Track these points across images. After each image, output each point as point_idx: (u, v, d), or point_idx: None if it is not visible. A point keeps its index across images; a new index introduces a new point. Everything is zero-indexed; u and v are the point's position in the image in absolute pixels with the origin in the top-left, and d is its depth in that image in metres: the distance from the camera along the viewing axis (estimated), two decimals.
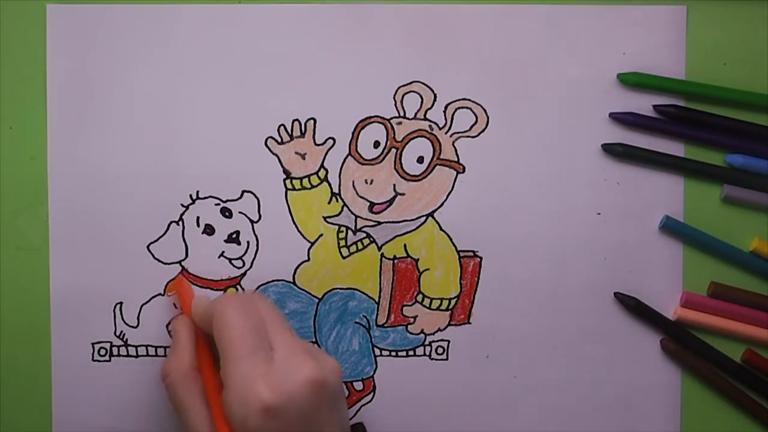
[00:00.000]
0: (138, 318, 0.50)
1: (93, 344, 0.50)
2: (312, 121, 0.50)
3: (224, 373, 0.42)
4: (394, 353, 0.50)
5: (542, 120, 0.50)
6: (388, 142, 0.50)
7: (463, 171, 0.50)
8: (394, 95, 0.50)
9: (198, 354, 0.46)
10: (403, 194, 0.50)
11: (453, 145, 0.50)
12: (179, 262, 0.50)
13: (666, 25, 0.50)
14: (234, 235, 0.50)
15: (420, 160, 0.50)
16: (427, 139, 0.50)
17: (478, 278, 0.50)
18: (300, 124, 0.50)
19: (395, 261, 0.50)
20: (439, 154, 0.50)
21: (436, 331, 0.50)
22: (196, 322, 0.46)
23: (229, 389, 0.41)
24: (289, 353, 0.42)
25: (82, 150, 0.49)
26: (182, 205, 0.50)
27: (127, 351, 0.50)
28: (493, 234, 0.50)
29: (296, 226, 0.50)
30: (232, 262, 0.50)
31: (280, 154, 0.50)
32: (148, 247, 0.49)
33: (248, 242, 0.50)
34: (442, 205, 0.50)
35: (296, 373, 0.41)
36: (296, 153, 0.50)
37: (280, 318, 0.44)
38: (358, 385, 0.50)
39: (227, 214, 0.50)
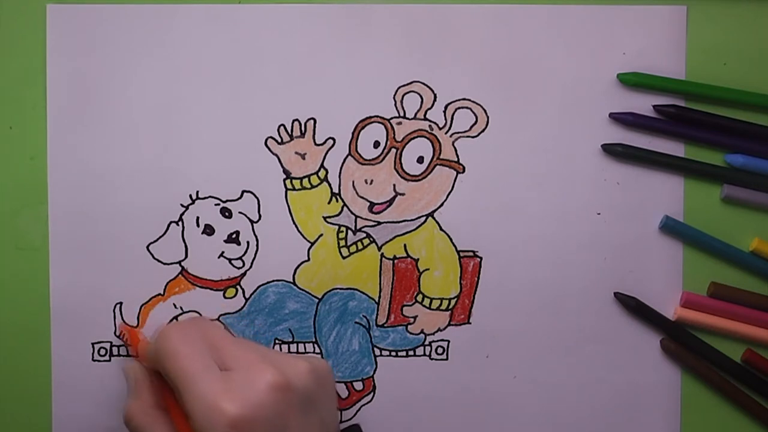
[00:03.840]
0: (138, 318, 0.50)
1: (93, 344, 0.50)
2: (312, 121, 0.50)
3: (184, 402, 0.41)
4: (394, 353, 0.50)
5: (542, 120, 0.50)
6: (388, 142, 0.50)
7: (463, 171, 0.50)
8: (394, 95, 0.50)
9: (161, 394, 0.46)
10: (403, 194, 0.50)
11: (453, 145, 0.50)
12: (179, 262, 0.50)
13: (666, 25, 0.50)
14: (234, 235, 0.50)
15: (420, 160, 0.50)
16: (427, 139, 0.50)
17: (478, 278, 0.50)
18: (300, 124, 0.50)
19: (395, 261, 0.50)
20: (439, 154, 0.50)
21: (436, 331, 0.50)
22: (147, 364, 0.46)
23: (193, 415, 0.41)
24: (246, 365, 0.42)
25: (82, 150, 0.49)
26: (182, 205, 0.50)
27: (127, 351, 0.50)
28: (493, 234, 0.50)
29: (296, 226, 0.50)
30: (232, 262, 0.50)
31: (280, 154, 0.50)
32: (147, 247, 0.49)
33: (248, 242, 0.50)
34: (442, 205, 0.50)
35: (257, 382, 0.41)
36: (296, 153, 0.50)
37: (229, 334, 0.45)
38: (358, 385, 0.50)
39: (227, 214, 0.50)
